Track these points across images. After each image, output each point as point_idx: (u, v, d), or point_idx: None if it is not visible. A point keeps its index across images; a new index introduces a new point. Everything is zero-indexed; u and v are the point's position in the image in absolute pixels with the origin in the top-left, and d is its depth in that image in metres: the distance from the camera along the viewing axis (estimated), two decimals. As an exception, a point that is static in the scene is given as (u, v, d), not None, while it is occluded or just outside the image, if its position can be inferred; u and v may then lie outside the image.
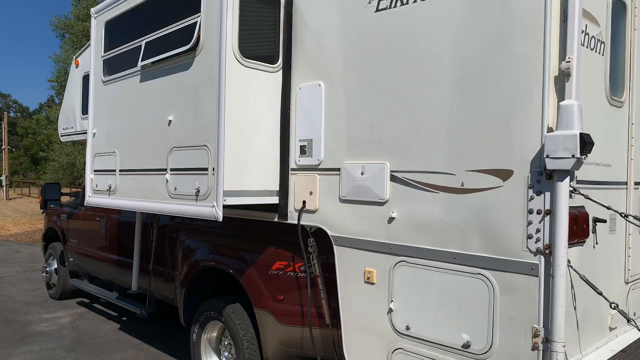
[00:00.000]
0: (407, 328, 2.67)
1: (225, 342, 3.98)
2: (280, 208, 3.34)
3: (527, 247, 2.24)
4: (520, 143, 2.26)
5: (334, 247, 3.04)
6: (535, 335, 2.20)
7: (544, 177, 2.19)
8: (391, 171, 2.73)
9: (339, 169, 3.02)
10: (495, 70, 2.33)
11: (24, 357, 5.00)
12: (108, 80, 4.19)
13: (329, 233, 3.07)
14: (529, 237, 2.23)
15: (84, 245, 6.41)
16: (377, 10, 2.80)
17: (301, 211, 3.21)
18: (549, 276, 2.18)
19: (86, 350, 5.21)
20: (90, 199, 4.42)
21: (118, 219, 5.67)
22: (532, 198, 2.22)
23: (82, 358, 4.99)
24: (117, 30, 4.16)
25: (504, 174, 2.31)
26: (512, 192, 2.28)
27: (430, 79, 2.57)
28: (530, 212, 2.23)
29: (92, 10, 4.49)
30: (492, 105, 2.34)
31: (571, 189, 2.18)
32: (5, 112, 49.76)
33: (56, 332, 5.83)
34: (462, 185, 2.44)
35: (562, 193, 2.14)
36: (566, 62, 2.17)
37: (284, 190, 3.33)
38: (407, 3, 2.67)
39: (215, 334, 4.05)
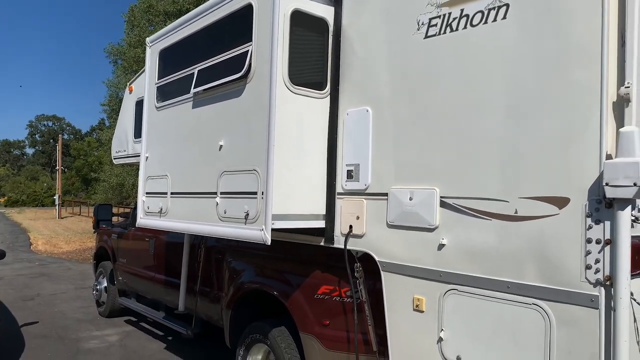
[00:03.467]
0: (458, 358, 2.60)
1: (270, 366, 3.99)
2: (327, 232, 3.35)
3: (586, 278, 2.16)
4: (577, 170, 2.20)
5: (382, 273, 3.01)
6: (597, 370, 2.11)
7: (603, 205, 2.12)
8: (441, 197, 2.70)
9: (386, 194, 3.01)
10: (550, 96, 2.29)
11: (75, 374, 5.16)
12: (161, 106, 4.35)
13: (376, 258, 3.05)
14: (588, 267, 2.15)
15: (132, 264, 6.60)
16: (426, 37, 2.81)
17: (348, 236, 3.21)
18: (610, 309, 2.09)
19: (134, 369, 5.33)
20: (142, 220, 4.56)
21: (166, 240, 5.82)
22: (590, 227, 2.15)
23: (129, 376, 5.10)
24: (170, 59, 4.34)
25: (560, 202, 2.25)
26: (568, 221, 2.22)
27: (481, 105, 2.55)
28: (588, 241, 2.15)
29: (147, 39, 4.71)
30: (547, 131, 2.30)
31: (633, 217, 2.10)
32: (59, 135, 52.27)
33: (105, 350, 5.98)
34: (516, 212, 2.38)
35: (623, 222, 2.06)
36: (625, 87, 2.11)
37: (330, 214, 3.34)
38: (456, 29, 2.68)
39: (260, 357, 4.06)
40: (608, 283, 2.09)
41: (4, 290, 9.52)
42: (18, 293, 9.38)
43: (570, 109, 2.22)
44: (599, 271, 2.12)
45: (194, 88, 3.83)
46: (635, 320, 2.27)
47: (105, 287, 7.55)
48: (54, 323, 7.20)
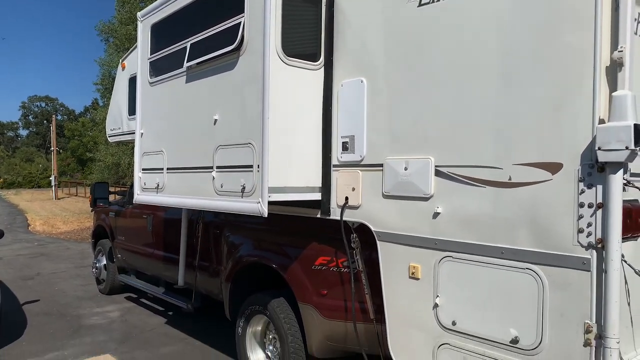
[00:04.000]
0: (454, 323, 2.66)
1: (270, 336, 4.06)
2: (323, 204, 3.38)
3: (578, 242, 2.19)
4: (570, 135, 2.22)
5: (378, 242, 3.05)
6: (588, 331, 2.16)
7: (595, 169, 2.14)
8: (436, 166, 2.72)
9: (381, 165, 3.03)
10: (544, 62, 2.29)
11: (78, 349, 5.24)
12: (155, 82, 4.32)
13: (372, 229, 3.08)
14: (580, 231, 2.19)
15: (131, 242, 6.64)
16: (420, 4, 2.79)
17: (344, 207, 3.23)
18: (602, 271, 2.13)
19: (136, 343, 5.41)
20: (139, 196, 4.57)
21: (164, 216, 5.84)
22: (582, 191, 2.18)
23: (132, 350, 5.18)
24: (162, 33, 4.29)
25: (553, 167, 2.27)
26: (561, 186, 2.24)
27: (475, 73, 2.55)
28: (581, 205, 2.18)
29: (139, 14, 4.64)
30: (541, 97, 2.31)
31: (624, 181, 2.13)
32: (53, 116, 51.85)
33: (107, 326, 6.07)
34: (510, 179, 2.41)
35: (615, 186, 2.09)
36: (618, 51, 2.11)
37: (326, 186, 3.36)
38: (450, -4, 2.66)
39: (260, 328, 4.14)
40: (600, 246, 2.13)
41: (4, 270, 9.59)
42: (18, 273, 9.45)
43: (563, 74, 2.23)
44: (591, 234, 2.16)
45: (186, 62, 3.80)
46: (626, 282, 2.31)
47: (105, 264, 7.59)
48: (55, 301, 7.27)
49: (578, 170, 2.19)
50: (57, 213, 23.53)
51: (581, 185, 2.18)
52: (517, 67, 2.38)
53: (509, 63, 2.41)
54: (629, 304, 2.31)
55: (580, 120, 2.18)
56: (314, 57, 3.30)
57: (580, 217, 2.18)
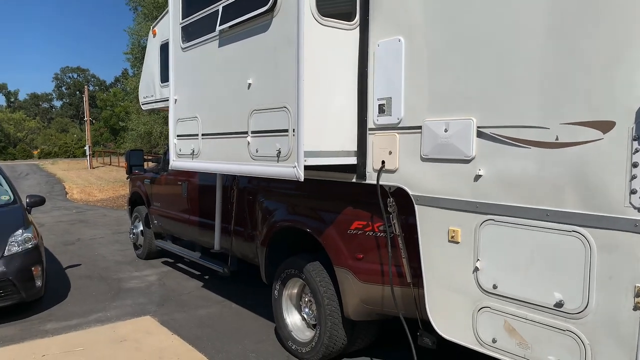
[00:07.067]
0: (495, 287, 2.62)
1: (306, 299, 4.11)
2: (359, 168, 3.34)
3: (631, 203, 2.10)
4: (623, 92, 2.10)
5: (416, 206, 3.00)
6: (638, 294, 2.09)
7: (651, 127, 2.03)
8: (478, 127, 2.64)
9: (420, 127, 2.96)
10: (594, 13, 2.16)
11: (120, 310, 5.43)
12: (187, 47, 4.29)
13: (410, 193, 3.03)
14: (633, 192, 2.09)
15: (166, 208, 6.77)
16: (462, -43, 2.65)
17: (380, 171, 3.19)
18: (655, 233, 2.05)
19: (174, 306, 5.57)
20: (175, 162, 4.62)
21: (198, 183, 5.91)
22: (637, 151, 2.08)
23: (171, 312, 5.34)
24: (194, -3, 4.23)
25: (605, 126, 2.16)
26: (613, 145, 2.14)
27: (520, 27, 2.42)
28: (634, 165, 2.08)
29: (169, -22, 4.58)
30: (591, 51, 2.18)
31: (683, 139, 2.02)
32: (85, 86, 52.69)
33: (146, 289, 6.26)
34: (557, 139, 2.31)
35: (672, 144, 1.98)
36: (681, 0, 1.97)
37: (362, 150, 3.31)
38: (495, -53, 2.51)
39: (295, 291, 4.19)
40: (654, 208, 2.04)
41: (46, 236, 9.91)
42: (59, 238, 9.79)
43: (615, 25, 2.09)
44: (644, 196, 2.06)
45: (219, 25, 3.75)
46: (680, 245, 2.22)
47: (142, 230, 7.78)
48: (95, 265, 7.53)
49: (632, 128, 2.08)
50: (93, 182, 24.17)
51: (635, 144, 2.08)
52: (565, 20, 2.25)
53: (556, 16, 2.28)
54: (682, 267, 2.22)
55: (635, 75, 2.06)
56: (349, 17, 3.20)
57: (633, 177, 2.09)
